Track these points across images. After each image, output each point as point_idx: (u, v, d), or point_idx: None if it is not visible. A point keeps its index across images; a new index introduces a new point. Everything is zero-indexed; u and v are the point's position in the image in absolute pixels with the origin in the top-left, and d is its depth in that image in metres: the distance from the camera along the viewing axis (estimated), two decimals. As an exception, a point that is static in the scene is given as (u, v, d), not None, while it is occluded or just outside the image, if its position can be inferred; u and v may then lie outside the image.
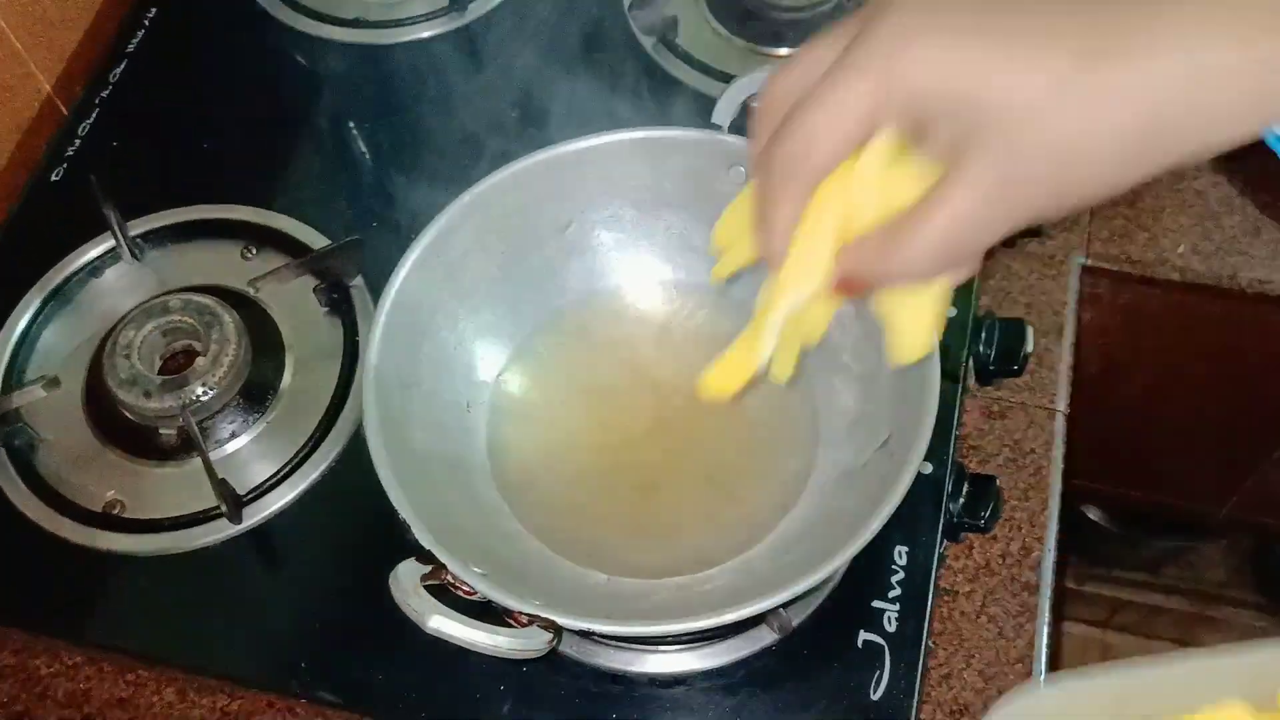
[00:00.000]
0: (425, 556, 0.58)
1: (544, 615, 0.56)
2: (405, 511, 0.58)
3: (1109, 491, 1.34)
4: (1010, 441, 0.80)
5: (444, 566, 0.57)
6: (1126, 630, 1.63)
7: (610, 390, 0.70)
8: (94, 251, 0.84)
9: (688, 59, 0.90)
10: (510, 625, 0.57)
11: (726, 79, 0.88)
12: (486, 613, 0.58)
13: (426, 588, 0.57)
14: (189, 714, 0.72)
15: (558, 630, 0.56)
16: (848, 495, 0.64)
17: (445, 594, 0.58)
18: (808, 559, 0.59)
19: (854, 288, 0.44)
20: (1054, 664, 0.75)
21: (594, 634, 0.63)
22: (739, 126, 0.69)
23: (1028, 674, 0.72)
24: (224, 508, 0.71)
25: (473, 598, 0.58)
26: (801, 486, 0.66)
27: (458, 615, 0.55)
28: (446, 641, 0.56)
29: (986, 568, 0.75)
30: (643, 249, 0.74)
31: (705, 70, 0.89)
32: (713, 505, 0.67)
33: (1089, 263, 0.88)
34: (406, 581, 0.55)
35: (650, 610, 0.62)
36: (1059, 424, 0.81)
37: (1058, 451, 0.80)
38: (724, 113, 0.68)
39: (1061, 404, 0.82)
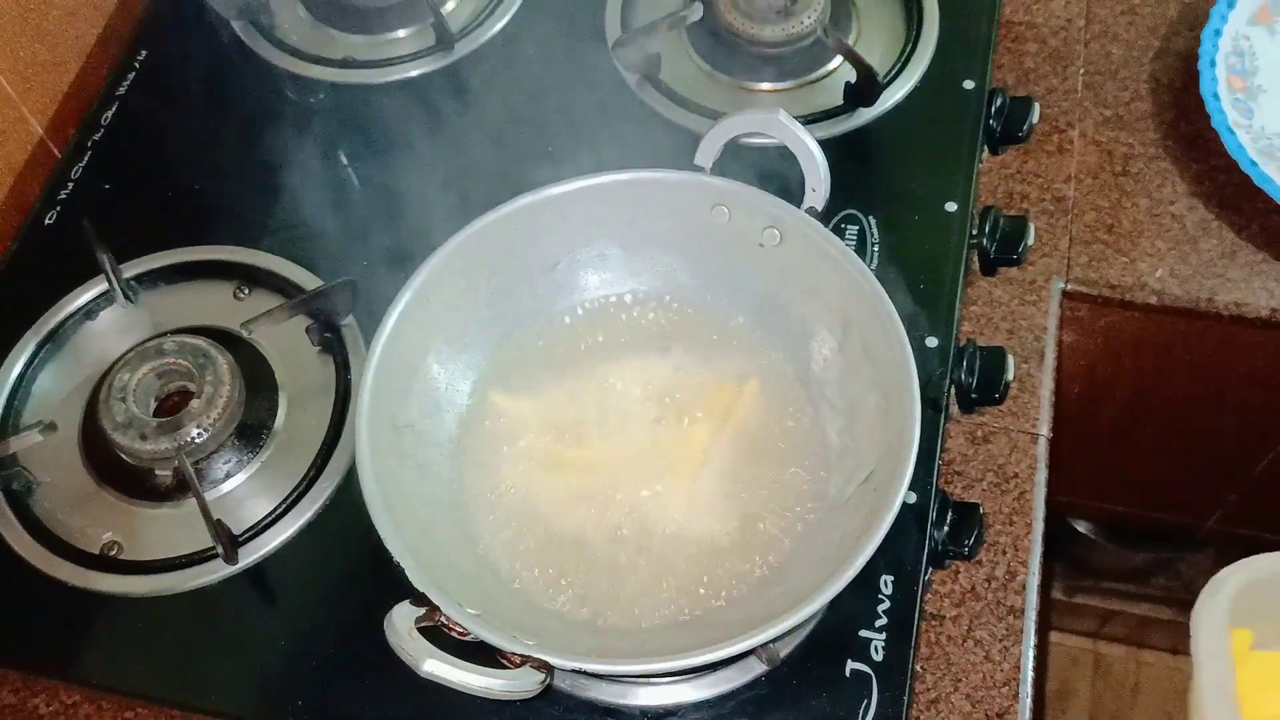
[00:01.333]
0: (419, 599, 0.59)
1: (536, 655, 0.57)
2: (399, 555, 0.59)
3: (1096, 505, 1.36)
4: (994, 466, 0.81)
5: (437, 608, 0.58)
6: (1117, 641, 1.64)
7: (595, 426, 0.72)
8: (88, 295, 0.85)
9: (672, 95, 0.91)
10: (503, 664, 0.59)
11: (710, 114, 0.89)
12: (480, 651, 0.59)
13: (421, 630, 0.58)
14: (187, 751, 0.73)
15: (550, 670, 0.57)
16: (833, 529, 0.65)
17: (439, 635, 0.59)
18: (794, 594, 0.60)
19: None
20: (1040, 685, 0.77)
21: (585, 671, 0.64)
22: (720, 168, 0.71)
23: (1015, 696, 0.73)
24: (219, 549, 0.72)
25: (466, 638, 0.59)
26: (787, 522, 0.68)
27: (452, 659, 0.56)
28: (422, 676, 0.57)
29: (972, 592, 0.76)
30: (628, 287, 0.75)
31: (688, 106, 0.91)
32: (698, 541, 0.68)
33: (1069, 288, 0.89)
34: (401, 625, 0.57)
35: (639, 648, 0.63)
36: (1041, 448, 0.82)
37: (1040, 475, 0.81)
38: (706, 154, 0.70)
39: (1044, 428, 0.83)
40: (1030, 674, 0.74)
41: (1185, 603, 1.66)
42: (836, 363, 0.69)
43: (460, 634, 0.59)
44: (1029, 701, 0.73)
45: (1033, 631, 0.76)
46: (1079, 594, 1.65)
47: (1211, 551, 1.65)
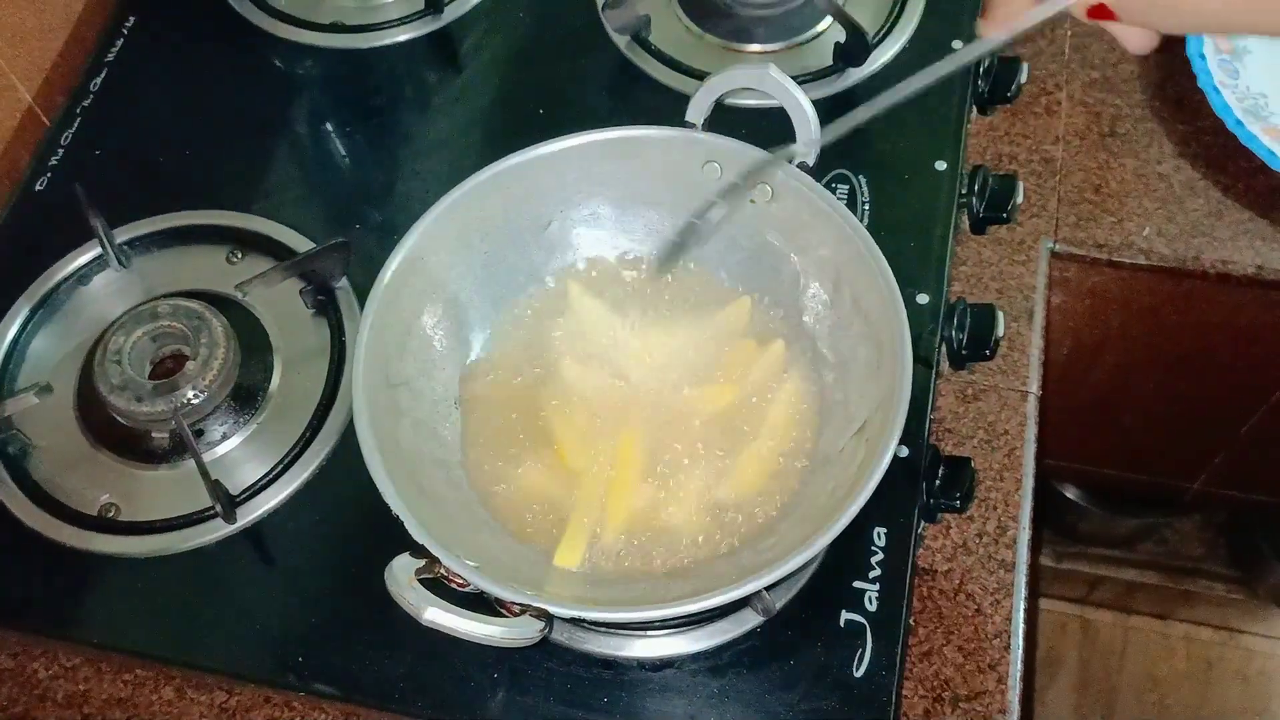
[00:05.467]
0: (419, 551, 0.60)
1: (536, 605, 0.58)
2: (398, 507, 0.60)
3: (1084, 469, 1.37)
4: (984, 424, 0.82)
5: (437, 560, 0.59)
6: (1104, 606, 1.66)
7: (585, 381, 0.72)
8: (81, 259, 0.86)
9: (660, 56, 0.92)
10: (503, 615, 0.59)
11: (699, 76, 0.90)
12: (480, 604, 0.59)
13: (421, 581, 0.59)
14: (188, 711, 0.74)
15: (549, 619, 0.58)
16: (825, 481, 0.66)
17: (439, 587, 0.60)
18: (787, 544, 0.61)
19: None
20: (1030, 639, 0.78)
21: (584, 621, 0.64)
22: (712, 124, 0.71)
23: (1006, 649, 0.74)
24: (218, 508, 0.73)
25: (465, 589, 0.60)
26: (780, 473, 0.68)
27: (453, 608, 0.56)
28: (439, 632, 0.58)
29: (964, 547, 0.77)
30: (621, 244, 0.75)
31: (678, 68, 0.91)
32: (690, 493, 0.69)
33: (1057, 248, 0.90)
34: (401, 575, 0.57)
35: (636, 597, 0.63)
36: (1031, 405, 0.83)
37: (1030, 432, 0.82)
38: (697, 110, 0.70)
39: (1033, 386, 0.84)
40: (1022, 626, 0.75)
41: (1172, 568, 1.68)
42: (828, 317, 0.70)
43: (460, 585, 0.60)
44: (1020, 654, 0.74)
45: (1024, 585, 0.77)
46: (1066, 560, 1.67)
47: (1198, 517, 1.67)
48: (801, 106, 0.67)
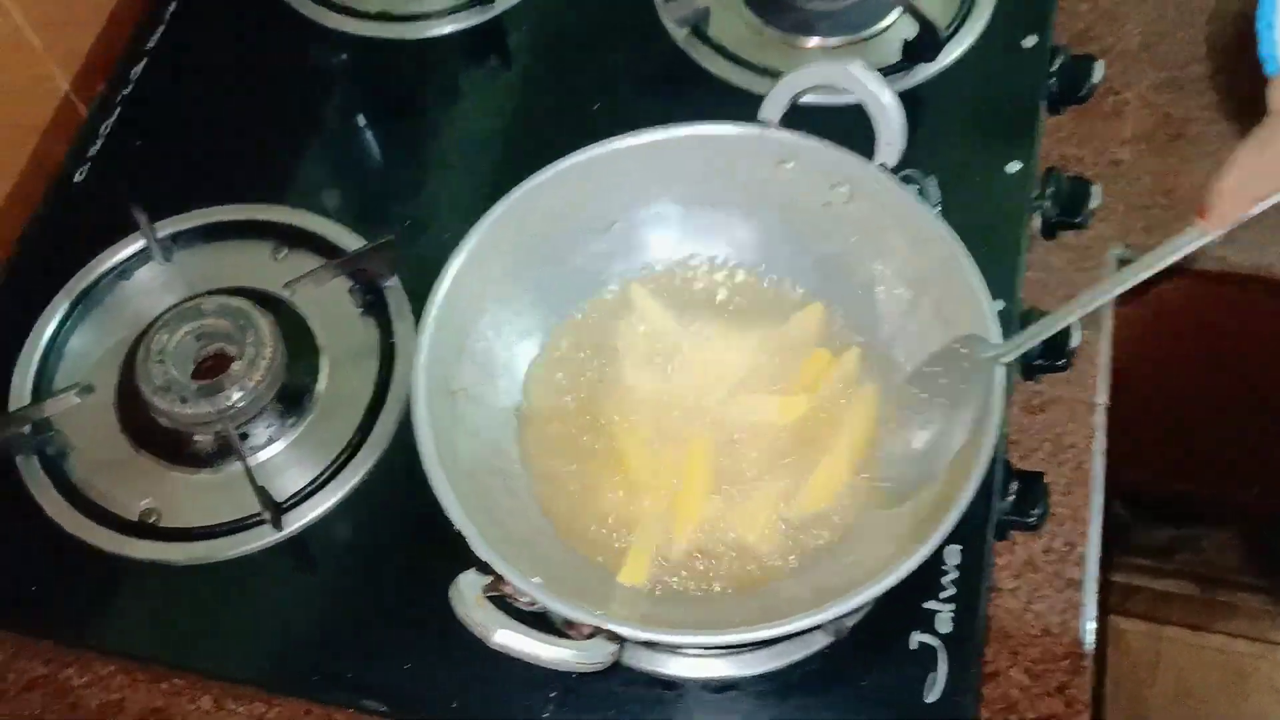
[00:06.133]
0: (482, 567, 0.57)
1: (607, 626, 0.55)
2: (460, 522, 0.57)
3: (1127, 479, 1.33)
4: (1051, 435, 0.79)
5: (502, 579, 0.56)
6: (1137, 616, 1.63)
7: (649, 389, 0.69)
8: (122, 253, 0.83)
9: (720, 50, 0.89)
10: (569, 636, 0.56)
11: (759, 71, 0.87)
12: (542, 622, 0.57)
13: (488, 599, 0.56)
14: (227, 723, 0.71)
15: (621, 641, 0.55)
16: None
17: (503, 605, 0.57)
18: (868, 565, 0.58)
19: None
20: (1100, 661, 0.75)
21: (652, 643, 0.62)
22: (788, 123, 0.68)
23: (1075, 670, 0.71)
24: (266, 515, 0.70)
25: (532, 608, 0.57)
26: (855, 488, 0.65)
27: (524, 629, 0.54)
28: (492, 649, 0.55)
29: (1030, 564, 0.74)
30: (688, 247, 0.72)
31: (738, 62, 0.88)
32: (760, 508, 0.66)
33: (1126, 255, 0.87)
34: (468, 594, 0.54)
35: (709, 618, 0.61)
36: (1100, 417, 0.80)
37: (1099, 445, 0.79)
38: (774, 107, 0.67)
39: (1101, 397, 0.81)
40: (1091, 647, 0.73)
41: (1207, 579, 1.65)
42: (907, 326, 0.67)
43: (526, 604, 0.57)
44: (1090, 677, 0.71)
45: (1093, 604, 0.74)
46: (1100, 569, 1.64)
47: (1234, 528, 1.64)
48: (885, 105, 0.64)
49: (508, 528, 0.62)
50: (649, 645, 0.67)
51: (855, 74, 0.64)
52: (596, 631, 0.55)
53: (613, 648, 0.55)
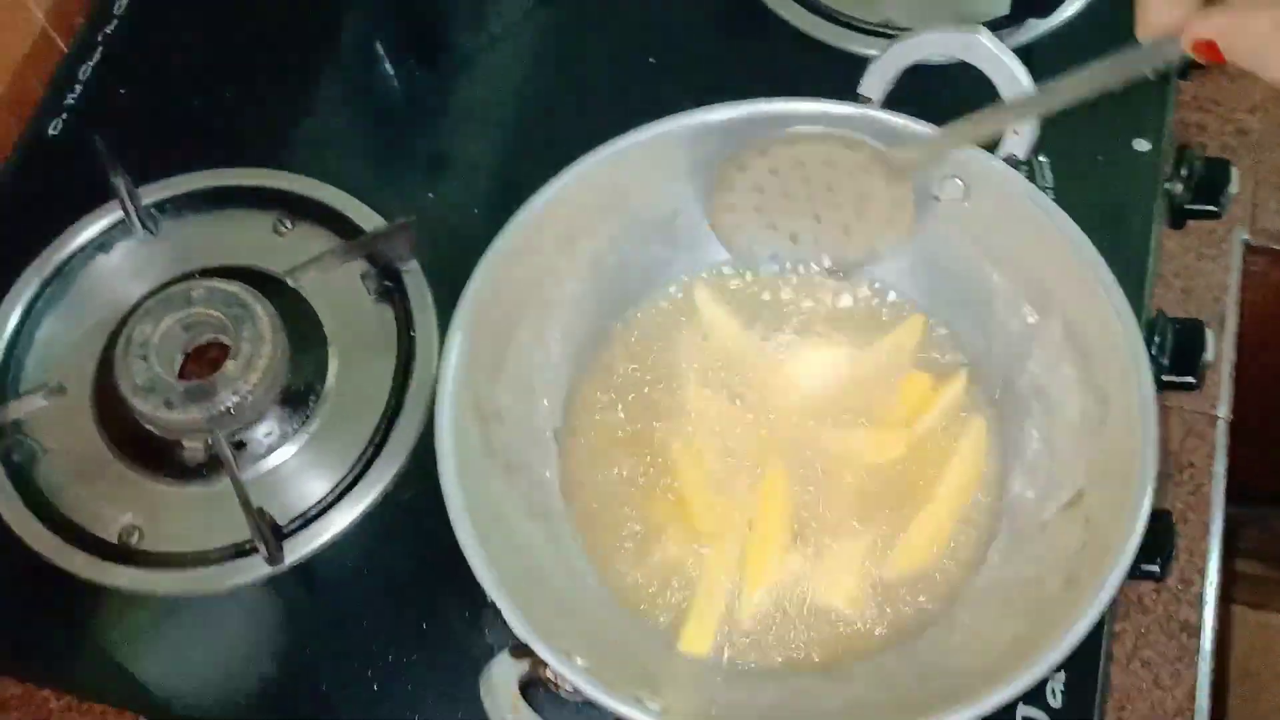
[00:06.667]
0: (518, 647, 0.47)
1: (667, 728, 0.45)
2: (495, 593, 0.47)
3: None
4: (1164, 455, 0.69)
5: (542, 661, 0.47)
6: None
7: (715, 414, 0.59)
8: (99, 224, 0.72)
9: (814, 7, 0.77)
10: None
11: (869, 35, 0.75)
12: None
13: (524, 687, 0.46)
14: (219, 757, 0.62)
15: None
16: (1023, 563, 0.53)
17: (541, 687, 0.48)
18: (973, 646, 0.48)
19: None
20: (1217, 713, 0.66)
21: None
22: (896, 101, 0.57)
23: (1190, 728, 0.62)
24: (262, 549, 0.60)
25: (577, 699, 0.47)
26: (964, 550, 0.55)
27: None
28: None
29: (1139, 604, 0.65)
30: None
31: (843, 24, 0.76)
32: (846, 563, 0.56)
33: (1252, 240, 0.76)
34: (503, 692, 0.45)
35: (791, 706, 0.51)
36: (1221, 432, 0.71)
37: (1220, 466, 0.71)
38: (878, 82, 0.56)
39: (1223, 409, 0.71)
40: (1207, 703, 0.64)
41: (1277, 558, 1.57)
42: (1030, 350, 0.56)
43: (570, 693, 0.47)
44: (1204, 731, 0.63)
45: (1210, 652, 0.65)
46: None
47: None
48: (1019, 82, 0.53)
49: (549, 586, 0.53)
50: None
51: (984, 44, 0.52)
52: (650, 729, 0.46)
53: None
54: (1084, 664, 0.60)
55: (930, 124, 0.56)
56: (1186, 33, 0.44)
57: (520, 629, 0.47)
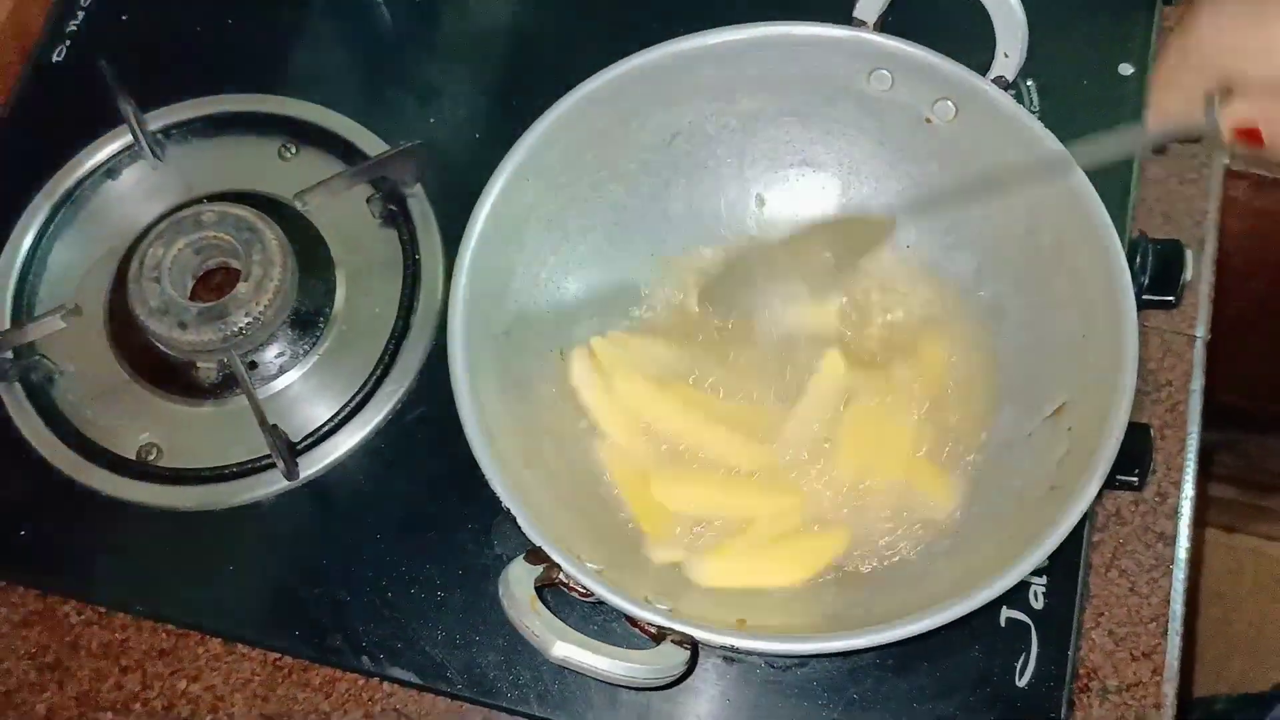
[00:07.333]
0: (533, 552, 0.50)
1: (677, 628, 0.48)
2: (511, 502, 0.50)
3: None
4: (1144, 372, 0.70)
5: (557, 565, 0.49)
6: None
7: (724, 340, 0.61)
8: (108, 149, 0.73)
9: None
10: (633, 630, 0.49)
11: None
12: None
13: (537, 590, 0.49)
14: (238, 667, 0.65)
15: (694, 646, 0.48)
16: (1009, 474, 0.55)
17: (556, 592, 0.50)
18: (966, 553, 0.51)
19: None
20: (1190, 624, 0.69)
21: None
22: (885, 25, 0.58)
23: (1162, 633, 0.65)
24: (279, 462, 0.62)
25: (588, 600, 0.50)
26: (952, 463, 0.57)
27: (586, 642, 0.46)
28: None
29: (1117, 516, 0.67)
30: (761, 169, 0.63)
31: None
32: (851, 480, 0.58)
33: (1234, 165, 0.77)
34: (520, 594, 0.47)
35: (790, 617, 0.53)
36: (1199, 352, 0.72)
37: (1197, 383, 0.72)
38: (871, 5, 0.57)
39: (1201, 329, 0.73)
40: (1181, 609, 0.66)
41: (1251, 483, 1.59)
42: (1015, 268, 0.58)
43: (582, 595, 0.50)
44: (1178, 640, 0.65)
45: (1184, 562, 0.67)
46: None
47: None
48: (1010, 6, 0.54)
49: (562, 498, 0.55)
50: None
51: (977, -31, 0.54)
52: (663, 633, 0.48)
53: (683, 655, 0.48)
54: (1064, 570, 0.63)
55: (925, 47, 0.57)
56: (1225, 123, 0.47)
57: (534, 533, 0.49)
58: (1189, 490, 0.69)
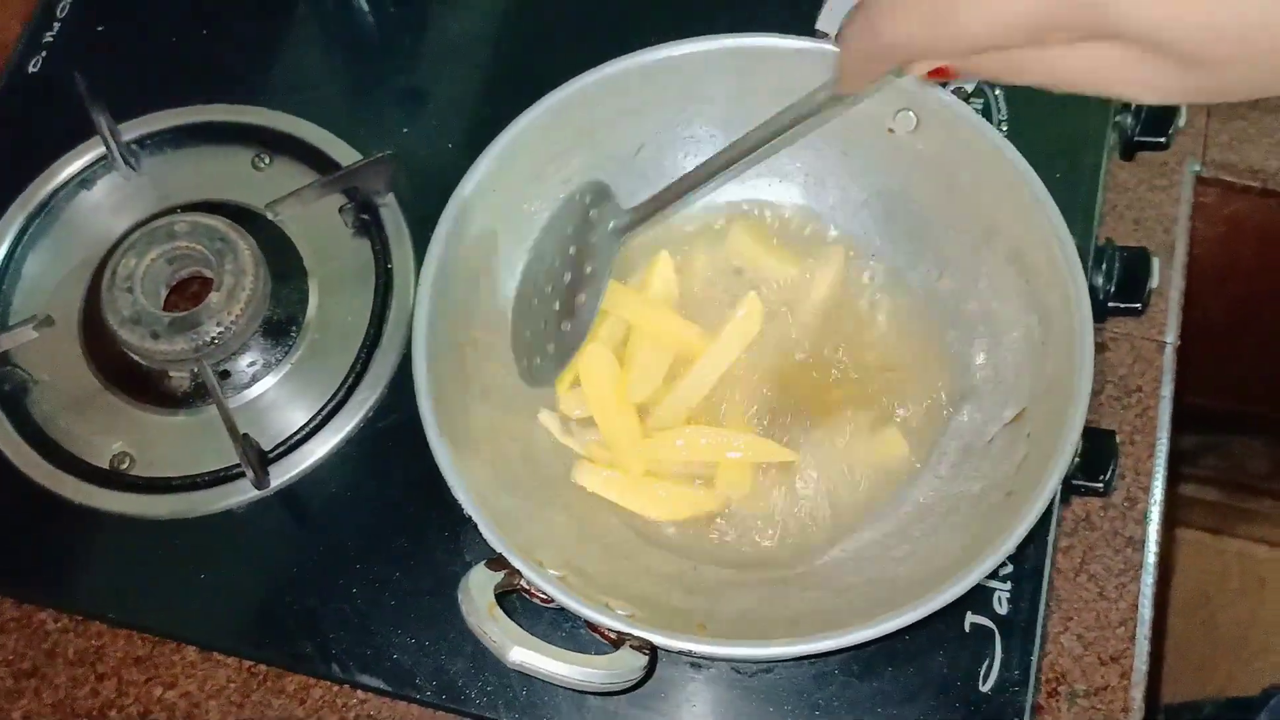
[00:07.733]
0: (495, 559, 0.50)
1: (635, 634, 0.48)
2: (472, 509, 0.50)
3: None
4: (1114, 378, 0.72)
5: (518, 571, 0.49)
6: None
7: (686, 340, 0.61)
8: (83, 159, 0.74)
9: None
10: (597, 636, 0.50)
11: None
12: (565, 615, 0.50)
13: (498, 597, 0.49)
14: (213, 674, 0.65)
15: (653, 651, 0.49)
16: (971, 478, 0.56)
17: (517, 599, 0.51)
18: (925, 557, 0.51)
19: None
20: (1159, 628, 0.69)
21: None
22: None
23: (1130, 638, 0.65)
24: (249, 472, 0.63)
25: (549, 606, 0.50)
26: (918, 461, 0.58)
27: (543, 647, 0.47)
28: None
29: (1086, 521, 0.68)
30: (727, 178, 0.63)
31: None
32: (809, 476, 0.59)
33: (1203, 171, 0.78)
34: (479, 599, 0.47)
35: (750, 622, 0.54)
36: (1169, 358, 0.73)
37: (1167, 389, 0.72)
38: (831, 18, 0.58)
39: (1171, 335, 0.73)
40: (1149, 614, 0.67)
41: (1234, 484, 1.60)
42: (975, 275, 0.59)
43: (543, 601, 0.50)
44: (1146, 645, 0.66)
45: (1153, 566, 0.68)
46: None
47: (1267, 436, 1.58)
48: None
49: (525, 505, 0.55)
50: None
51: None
52: (622, 639, 0.49)
53: (641, 661, 0.48)
54: (1029, 575, 0.63)
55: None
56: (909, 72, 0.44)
57: (495, 540, 0.49)
58: (1158, 495, 0.70)
